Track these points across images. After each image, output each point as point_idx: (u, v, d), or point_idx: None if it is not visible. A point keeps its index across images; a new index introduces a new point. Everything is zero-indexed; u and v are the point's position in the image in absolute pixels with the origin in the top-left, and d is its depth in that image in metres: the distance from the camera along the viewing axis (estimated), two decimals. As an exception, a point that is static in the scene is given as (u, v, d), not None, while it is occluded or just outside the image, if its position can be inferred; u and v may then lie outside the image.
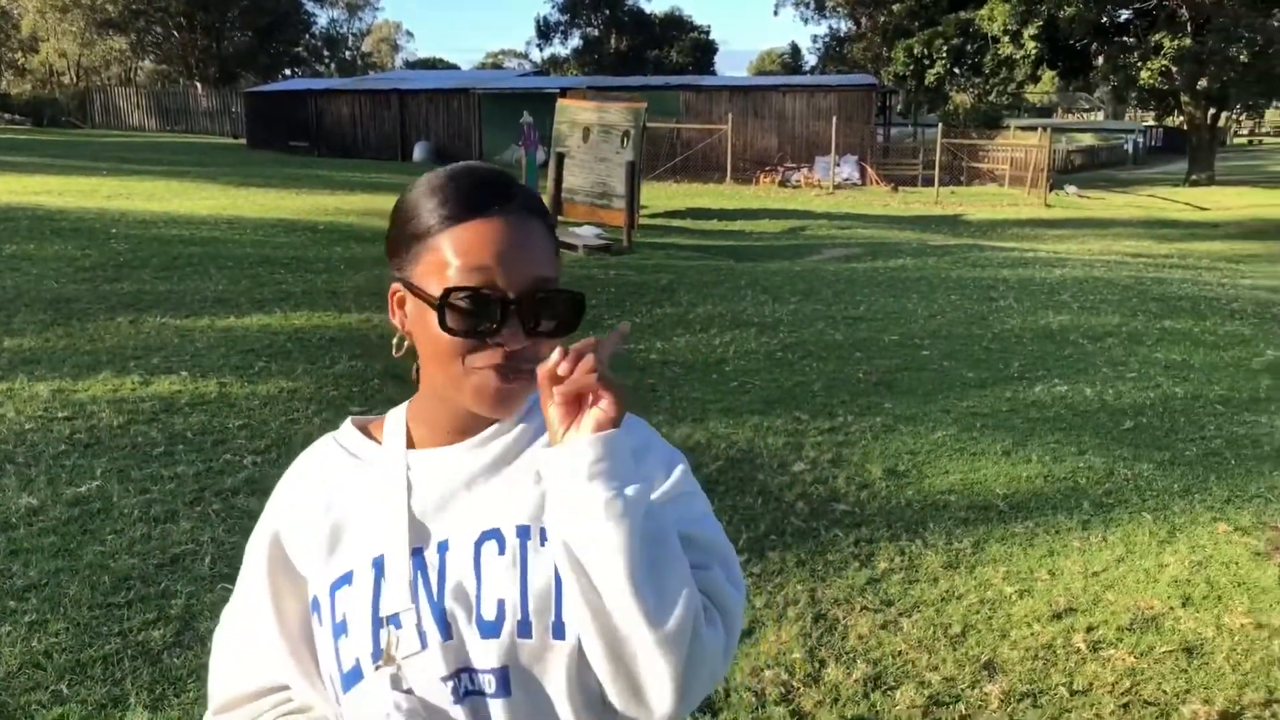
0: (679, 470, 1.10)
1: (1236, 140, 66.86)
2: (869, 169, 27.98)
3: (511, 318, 1.00)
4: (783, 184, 26.72)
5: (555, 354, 0.94)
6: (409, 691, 0.99)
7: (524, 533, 1.02)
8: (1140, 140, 49.70)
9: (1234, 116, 50.25)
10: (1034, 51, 30.96)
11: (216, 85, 46.35)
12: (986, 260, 13.04)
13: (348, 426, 1.17)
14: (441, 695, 0.99)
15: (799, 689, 3.10)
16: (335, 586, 1.05)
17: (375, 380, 6.05)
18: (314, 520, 1.10)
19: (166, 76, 52.69)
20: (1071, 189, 28.13)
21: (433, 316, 1.01)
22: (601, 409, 0.93)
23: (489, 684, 0.99)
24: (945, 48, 33.21)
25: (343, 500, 1.10)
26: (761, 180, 26.96)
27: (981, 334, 8.22)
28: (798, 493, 4.67)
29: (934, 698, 3.10)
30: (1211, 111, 33.33)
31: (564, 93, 16.29)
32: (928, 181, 26.74)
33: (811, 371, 6.80)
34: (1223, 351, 7.92)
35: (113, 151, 24.77)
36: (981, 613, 3.64)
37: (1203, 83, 29.61)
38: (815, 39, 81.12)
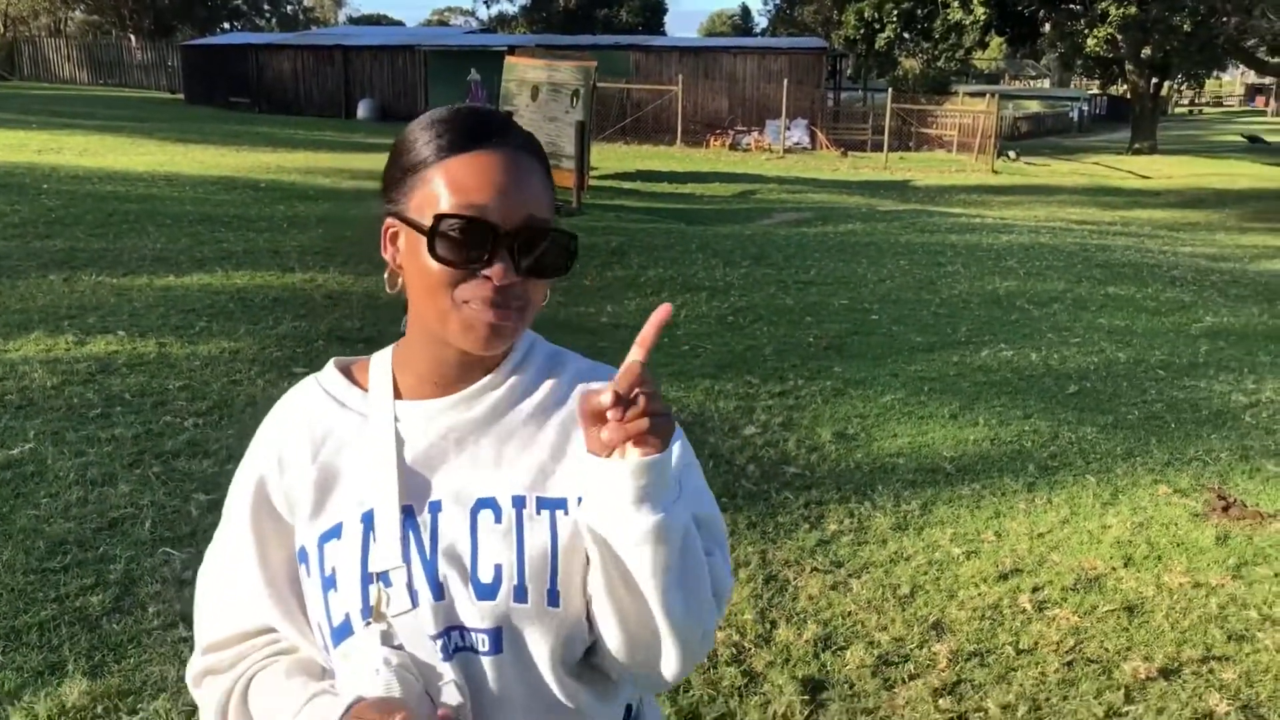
0: (677, 445, 1.09)
1: (1177, 110, 68.03)
2: (819, 133, 28.01)
3: (502, 251, 0.99)
4: (733, 147, 26.66)
5: (607, 396, 0.89)
6: (399, 647, 1.00)
7: (519, 502, 1.03)
8: (1085, 108, 50.35)
9: (1175, 86, 51.06)
10: (983, 17, 31.11)
11: (151, 38, 44.90)
12: (935, 226, 13.15)
13: (330, 370, 1.15)
14: (431, 652, 1.00)
15: (750, 650, 3.11)
16: (324, 539, 1.05)
17: (320, 341, 5.93)
18: (300, 468, 1.08)
19: (98, 28, 50.91)
20: (1012, 154, 28.38)
21: (424, 246, 0.99)
22: (649, 442, 0.91)
23: (482, 643, 1.01)
24: (895, 12, 33.26)
25: (329, 449, 1.08)
26: (712, 143, 26.87)
27: (930, 299, 8.29)
28: (748, 456, 4.67)
29: (883, 657, 3.13)
30: (1154, 81, 33.84)
31: (512, 50, 16.00)
32: (877, 146, 26.86)
33: (762, 336, 6.80)
34: (1164, 317, 8.08)
35: (43, 104, 23.93)
36: (929, 574, 3.68)
37: (1146, 51, 30.03)
38: (766, 1, 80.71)
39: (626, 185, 17.49)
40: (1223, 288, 9.55)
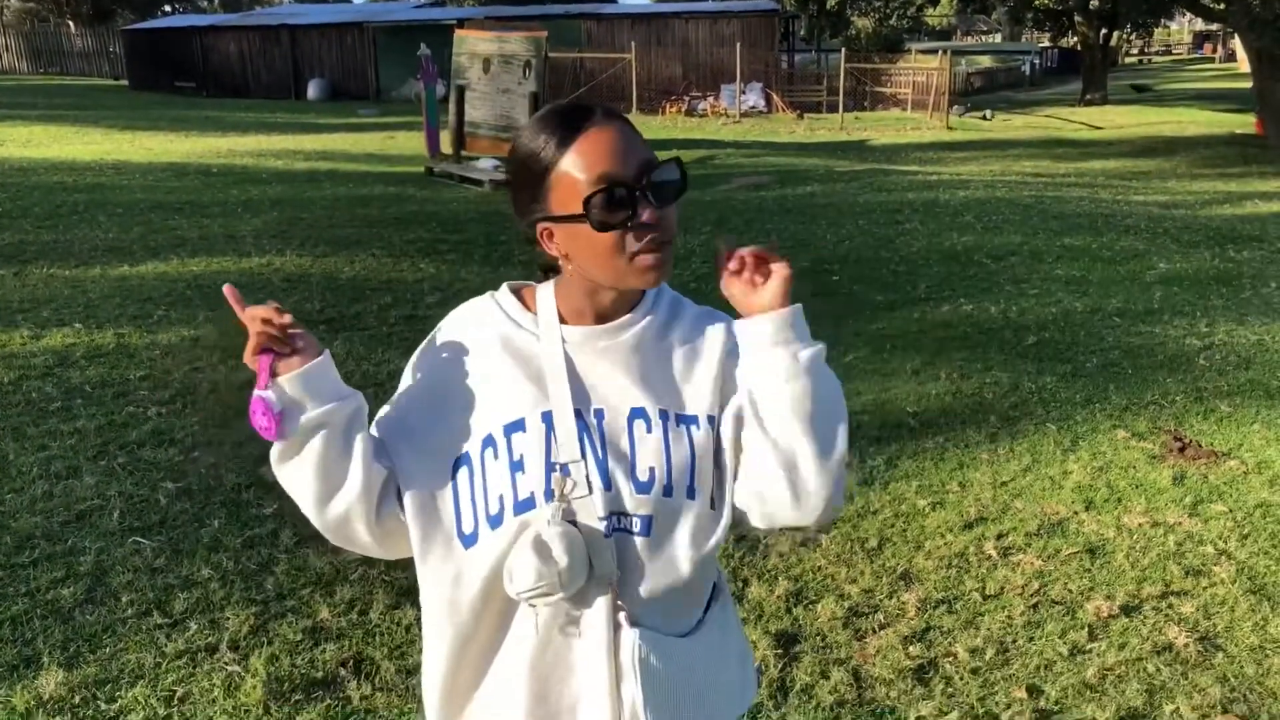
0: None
1: (1128, 60, 68.53)
2: (774, 96, 27.96)
3: (641, 199, 1.22)
4: (689, 113, 26.57)
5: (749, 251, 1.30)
6: (573, 522, 1.23)
7: (664, 416, 1.30)
8: (1036, 61, 50.49)
9: (1125, 36, 51.39)
10: (932, -26, 31.08)
11: (90, 24, 43.87)
12: (892, 184, 13.21)
13: (506, 292, 1.38)
14: (597, 528, 1.24)
15: (724, 609, 3.15)
16: (509, 430, 1.28)
17: (282, 325, 5.89)
18: (478, 365, 1.32)
19: (36, 15, 49.66)
20: (956, 109, 28.25)
21: (587, 229, 1.22)
22: (774, 283, 1.28)
23: (636, 525, 1.26)
24: (846, -28, 33.15)
25: (508, 356, 1.31)
26: (668, 110, 26.76)
27: (889, 257, 8.36)
28: (716, 419, 4.70)
29: (853, 609, 3.19)
30: (1104, 31, 34.03)
31: (462, 24, 15.82)
32: (832, 108, 26.86)
33: (724, 302, 6.82)
34: (1119, 266, 8.20)
35: (-17, 96, 23.37)
36: (896, 526, 3.75)
37: (1094, 2, 30.18)
38: (716, -35, 79.98)
39: (584, 156, 17.35)
40: (1175, 234, 9.69)
